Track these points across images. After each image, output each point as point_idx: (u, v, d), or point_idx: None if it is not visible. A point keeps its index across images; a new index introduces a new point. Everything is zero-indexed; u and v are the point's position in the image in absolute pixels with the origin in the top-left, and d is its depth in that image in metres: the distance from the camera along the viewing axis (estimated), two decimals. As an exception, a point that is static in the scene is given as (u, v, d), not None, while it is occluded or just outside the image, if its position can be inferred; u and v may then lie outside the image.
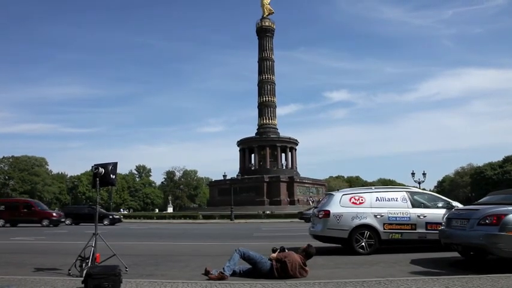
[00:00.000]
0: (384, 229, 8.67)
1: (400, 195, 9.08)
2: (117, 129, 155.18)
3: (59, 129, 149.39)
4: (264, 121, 62.27)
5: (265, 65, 62.69)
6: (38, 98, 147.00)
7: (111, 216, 30.34)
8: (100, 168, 6.70)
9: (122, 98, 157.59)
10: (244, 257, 6.15)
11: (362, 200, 8.96)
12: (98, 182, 6.72)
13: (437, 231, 8.47)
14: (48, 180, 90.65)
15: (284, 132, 63.36)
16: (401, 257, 7.97)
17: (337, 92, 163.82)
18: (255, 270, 6.08)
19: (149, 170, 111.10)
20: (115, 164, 6.99)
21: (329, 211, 8.91)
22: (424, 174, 41.24)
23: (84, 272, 5.09)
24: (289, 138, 62.42)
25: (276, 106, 63.63)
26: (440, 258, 7.78)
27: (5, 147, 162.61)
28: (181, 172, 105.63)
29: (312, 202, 49.61)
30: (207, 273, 5.91)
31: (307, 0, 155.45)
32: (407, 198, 9.00)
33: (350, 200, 8.98)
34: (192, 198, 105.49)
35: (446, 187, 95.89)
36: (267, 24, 63.98)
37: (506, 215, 6.06)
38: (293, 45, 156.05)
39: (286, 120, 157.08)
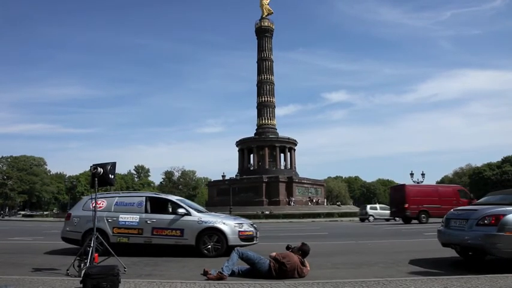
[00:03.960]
0: (113, 233, 8.92)
1: (138, 200, 9.34)
2: (115, 130, 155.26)
3: (57, 129, 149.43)
4: (263, 121, 62.21)
5: (264, 65, 62.58)
6: (37, 98, 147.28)
7: None
8: (99, 168, 6.70)
9: (121, 98, 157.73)
10: (243, 257, 6.15)
11: (102, 204, 9.25)
12: (96, 182, 6.73)
13: (162, 236, 8.86)
14: (46, 180, 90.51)
15: (283, 133, 63.32)
16: (400, 258, 7.98)
17: (336, 93, 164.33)
18: (253, 271, 6.08)
19: (148, 170, 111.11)
20: (114, 164, 6.99)
21: (71, 214, 9.57)
22: (423, 174, 41.34)
23: (83, 272, 5.08)
24: (288, 139, 62.33)
25: (275, 106, 63.57)
26: (439, 259, 7.79)
27: (3, 147, 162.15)
28: (180, 172, 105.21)
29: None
30: (205, 273, 5.91)
31: (306, 1, 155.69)
32: (144, 204, 9.20)
33: (93, 204, 9.07)
34: (191, 199, 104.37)
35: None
36: (266, 24, 63.88)
37: (504, 215, 6.06)
38: (292, 46, 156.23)
39: (285, 120, 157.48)
